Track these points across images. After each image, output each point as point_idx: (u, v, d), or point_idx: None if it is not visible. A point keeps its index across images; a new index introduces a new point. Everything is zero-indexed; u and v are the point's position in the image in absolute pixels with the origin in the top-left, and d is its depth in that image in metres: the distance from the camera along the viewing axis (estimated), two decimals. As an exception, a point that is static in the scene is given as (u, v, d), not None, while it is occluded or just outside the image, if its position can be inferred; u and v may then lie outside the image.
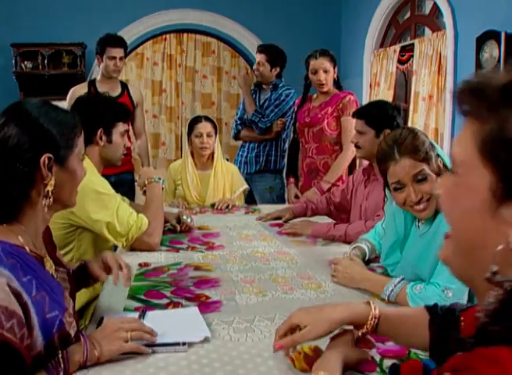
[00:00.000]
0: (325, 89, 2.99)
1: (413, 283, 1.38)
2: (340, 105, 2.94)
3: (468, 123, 0.59)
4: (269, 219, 2.48)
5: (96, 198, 1.78)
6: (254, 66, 3.46)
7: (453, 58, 3.47)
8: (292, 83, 3.45)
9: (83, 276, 1.32)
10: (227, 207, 2.76)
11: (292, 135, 3.32)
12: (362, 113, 2.22)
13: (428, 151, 1.43)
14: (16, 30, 4.63)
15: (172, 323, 1.24)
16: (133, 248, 1.89)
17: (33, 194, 1.03)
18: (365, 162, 2.53)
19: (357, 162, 3.12)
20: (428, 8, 4.04)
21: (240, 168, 3.28)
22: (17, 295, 0.90)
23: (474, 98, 0.58)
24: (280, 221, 2.43)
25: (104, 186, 1.85)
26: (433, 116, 3.62)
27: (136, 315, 1.26)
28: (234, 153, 3.84)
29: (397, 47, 4.20)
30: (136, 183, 2.18)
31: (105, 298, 1.43)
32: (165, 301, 1.41)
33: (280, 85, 3.41)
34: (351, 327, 1.02)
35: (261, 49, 3.44)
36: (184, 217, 2.24)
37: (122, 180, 3.08)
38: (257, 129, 3.38)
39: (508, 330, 0.54)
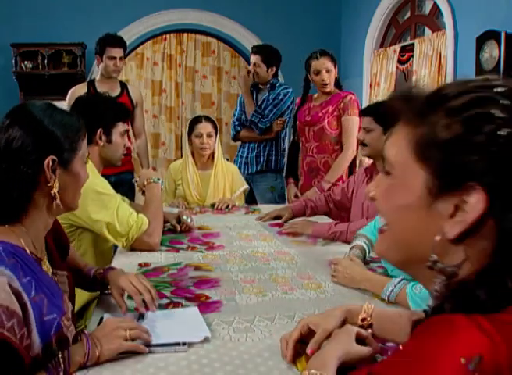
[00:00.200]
0: (328, 89, 2.99)
1: (413, 283, 1.37)
2: (341, 104, 2.94)
3: (400, 127, 0.64)
4: (268, 218, 2.48)
5: (96, 198, 1.78)
6: (250, 67, 3.40)
7: (453, 59, 3.47)
8: (292, 84, 3.44)
9: (101, 284, 1.38)
10: (227, 207, 2.76)
11: (292, 137, 3.32)
12: (371, 110, 2.23)
13: None
14: (15, 30, 4.64)
15: (172, 323, 1.24)
16: (133, 248, 1.89)
17: (36, 196, 1.04)
18: (367, 162, 2.53)
19: (357, 162, 3.12)
20: (428, 8, 4.04)
21: (240, 168, 3.26)
22: (17, 295, 0.90)
23: (403, 105, 0.64)
24: (280, 221, 2.43)
25: (104, 186, 1.85)
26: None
27: (136, 315, 1.27)
28: (234, 153, 3.83)
29: (397, 47, 4.20)
30: (135, 184, 2.18)
31: (105, 298, 1.43)
32: (165, 301, 1.41)
33: (277, 84, 3.39)
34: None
35: (256, 50, 3.39)
36: (184, 217, 2.24)
37: (122, 180, 3.08)
38: (257, 129, 3.35)
39: (463, 303, 0.57)
